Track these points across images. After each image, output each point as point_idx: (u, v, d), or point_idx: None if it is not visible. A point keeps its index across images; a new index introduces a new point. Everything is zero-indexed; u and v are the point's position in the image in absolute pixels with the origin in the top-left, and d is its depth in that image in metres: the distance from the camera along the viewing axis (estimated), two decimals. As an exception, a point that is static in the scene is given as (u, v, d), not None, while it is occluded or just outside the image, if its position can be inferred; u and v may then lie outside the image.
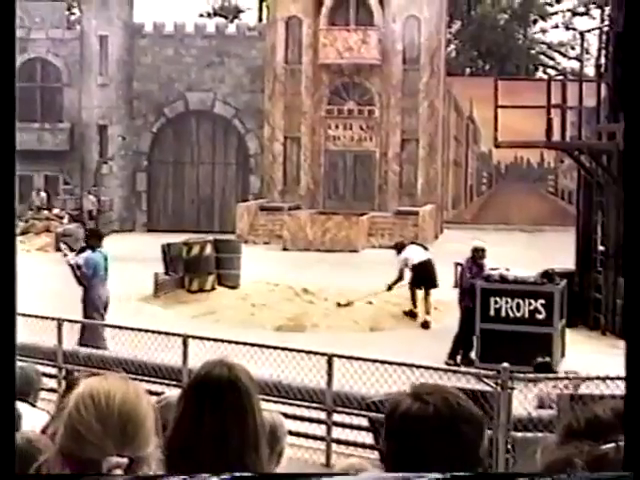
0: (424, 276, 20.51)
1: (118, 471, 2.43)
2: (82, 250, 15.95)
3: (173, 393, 6.69)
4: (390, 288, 21.01)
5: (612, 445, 1.45)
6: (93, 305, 15.33)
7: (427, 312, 20.54)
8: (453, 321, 16.83)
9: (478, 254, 16.58)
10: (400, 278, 20.90)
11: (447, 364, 14.68)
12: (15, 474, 2.59)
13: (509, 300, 15.43)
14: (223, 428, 2.89)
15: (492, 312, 15.48)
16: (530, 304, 15.36)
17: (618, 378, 10.25)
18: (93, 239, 16.29)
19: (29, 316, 14.83)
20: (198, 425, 2.92)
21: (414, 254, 21.07)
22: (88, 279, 15.38)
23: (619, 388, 9.83)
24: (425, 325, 20.28)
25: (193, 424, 2.93)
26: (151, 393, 7.53)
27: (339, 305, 20.93)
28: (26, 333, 14.43)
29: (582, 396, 9.73)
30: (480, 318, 15.56)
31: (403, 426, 2.51)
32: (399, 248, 21.44)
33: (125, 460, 2.44)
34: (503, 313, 15.44)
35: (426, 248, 22.38)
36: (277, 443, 5.28)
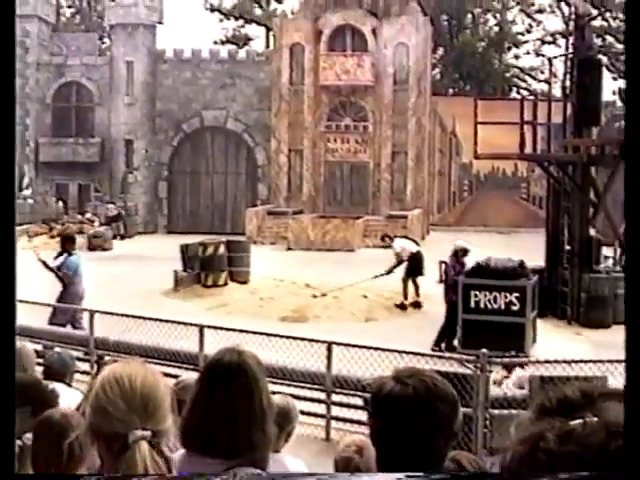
0: (417, 265, 20.57)
1: (143, 442, 2.47)
2: (59, 254, 15.68)
3: (190, 376, 6.73)
4: (390, 272, 21.02)
5: (580, 421, 1.47)
6: (73, 299, 15.16)
7: (418, 295, 20.59)
8: (438, 312, 16.79)
9: (460, 253, 16.54)
10: (400, 263, 20.88)
11: (433, 350, 14.67)
12: (15, 474, 2.61)
13: (487, 294, 15.39)
14: (232, 408, 2.89)
15: (472, 304, 15.45)
16: (506, 297, 15.33)
17: (582, 361, 10.29)
18: (68, 244, 15.93)
19: (64, 307, 14.87)
20: (210, 405, 2.92)
21: (408, 245, 21.17)
22: (69, 278, 15.19)
23: (582, 370, 9.86)
24: (417, 305, 20.37)
25: (205, 404, 2.94)
26: (171, 376, 7.55)
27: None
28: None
29: (552, 378, 9.74)
30: (462, 310, 15.55)
31: (386, 405, 2.53)
32: (390, 238, 21.79)
33: (148, 432, 2.49)
34: (482, 305, 15.39)
35: (417, 243, 22.45)
36: (289, 423, 5.32)
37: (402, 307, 20.50)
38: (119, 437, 2.48)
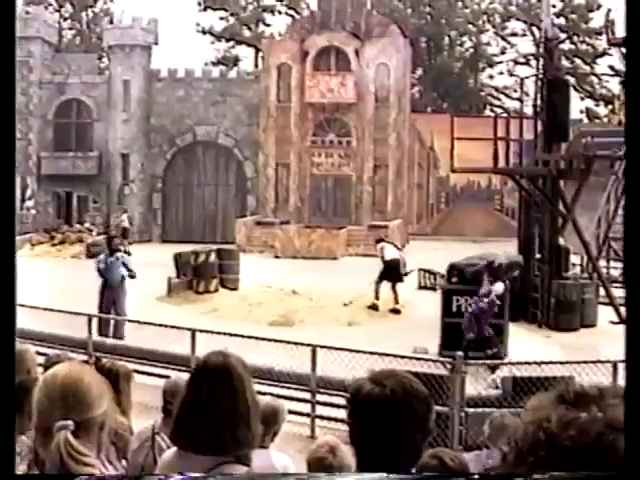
0: (393, 271, 20.52)
1: (62, 432, 2.54)
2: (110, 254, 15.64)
3: (178, 375, 6.71)
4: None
5: (585, 413, 1.50)
6: (109, 303, 15.07)
7: (396, 302, 20.52)
8: (417, 317, 16.72)
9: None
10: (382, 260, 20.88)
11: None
12: (15, 474, 2.62)
13: (468, 298, 15.37)
14: (218, 408, 2.89)
15: (454, 308, 15.41)
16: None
17: (552, 362, 10.30)
18: (111, 244, 16.07)
19: (64, 312, 14.79)
20: (197, 405, 2.92)
21: (388, 250, 21.13)
22: (101, 273, 15.05)
23: (552, 370, 9.86)
24: (395, 312, 20.27)
25: (193, 404, 2.94)
26: (165, 377, 7.50)
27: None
28: (61, 325, 14.38)
29: (522, 378, 9.74)
30: (444, 314, 15.50)
31: (365, 406, 2.51)
32: (378, 241, 21.92)
33: (68, 422, 2.56)
34: (463, 309, 15.39)
35: (399, 248, 22.51)
36: (276, 423, 5.32)
37: (374, 308, 20.39)
38: (47, 430, 2.58)
